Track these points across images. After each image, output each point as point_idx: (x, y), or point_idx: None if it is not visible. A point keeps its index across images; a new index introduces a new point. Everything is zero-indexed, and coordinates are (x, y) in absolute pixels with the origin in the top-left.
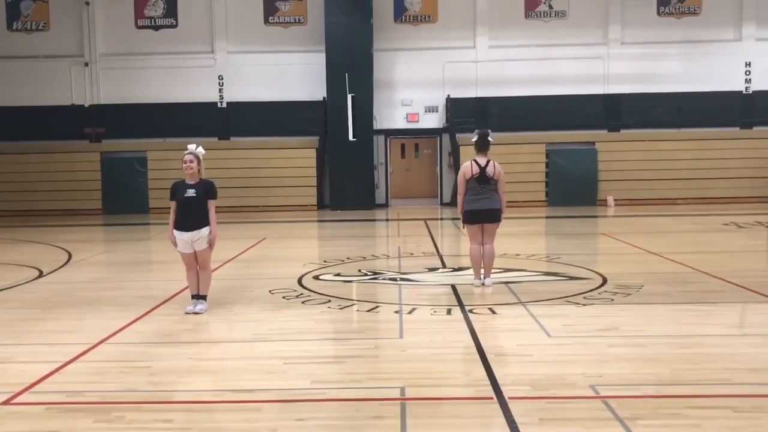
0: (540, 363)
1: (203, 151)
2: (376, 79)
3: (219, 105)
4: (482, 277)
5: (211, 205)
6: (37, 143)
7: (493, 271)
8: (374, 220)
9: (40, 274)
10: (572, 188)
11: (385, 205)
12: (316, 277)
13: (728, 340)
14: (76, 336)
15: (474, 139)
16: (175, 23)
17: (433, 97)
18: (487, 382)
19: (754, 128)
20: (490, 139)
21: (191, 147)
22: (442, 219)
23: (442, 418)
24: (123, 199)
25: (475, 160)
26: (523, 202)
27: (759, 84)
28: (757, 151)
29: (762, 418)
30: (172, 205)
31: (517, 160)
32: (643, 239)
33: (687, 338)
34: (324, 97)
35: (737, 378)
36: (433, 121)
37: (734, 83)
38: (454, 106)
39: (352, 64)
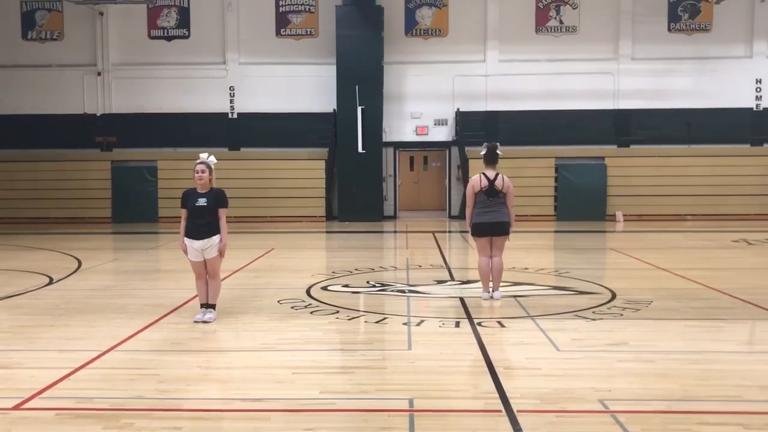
0: (549, 377)
1: (215, 161)
2: (386, 91)
3: (230, 116)
4: (490, 290)
5: (222, 213)
6: (48, 151)
7: (501, 284)
8: (382, 232)
9: (50, 281)
10: (581, 203)
11: (394, 217)
12: (324, 288)
13: (738, 356)
14: (86, 343)
15: (483, 153)
16: (187, 34)
17: (443, 110)
18: (496, 395)
19: (765, 145)
20: (498, 152)
21: (203, 156)
22: (450, 232)
23: (450, 431)
24: (133, 208)
25: (483, 173)
26: (531, 216)
27: None
28: (767, 168)
29: None
30: (183, 213)
31: (526, 174)
32: (652, 255)
33: (697, 354)
34: (334, 109)
35: (748, 395)
36: (443, 134)
37: (745, 100)
38: (463, 119)
39: (362, 77)
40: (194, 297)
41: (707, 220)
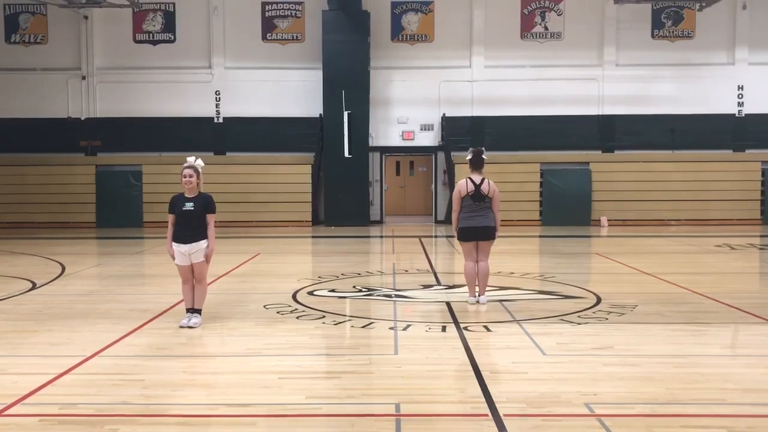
0: (535, 381)
1: (202, 164)
2: (373, 96)
3: (215, 120)
4: (477, 294)
5: (211, 219)
6: (32, 155)
7: (487, 289)
8: (369, 237)
9: (34, 286)
10: (566, 208)
11: (380, 222)
12: (310, 293)
13: (722, 360)
14: (70, 348)
15: (468, 158)
16: (173, 38)
17: (429, 116)
18: (482, 399)
19: (747, 151)
20: (484, 157)
21: (190, 160)
22: (436, 237)
23: None
24: (117, 213)
25: (470, 178)
26: (517, 221)
27: (751, 107)
28: (749, 173)
29: None
30: (170, 218)
31: (511, 180)
32: (636, 259)
33: (681, 358)
34: (320, 114)
35: (731, 398)
36: (429, 139)
37: (727, 106)
38: (449, 124)
39: (348, 82)
40: (180, 302)
41: (690, 225)
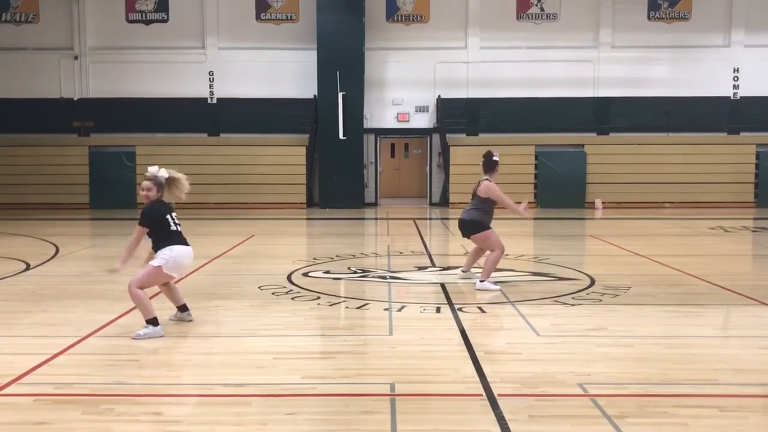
0: (529, 361)
1: (166, 175)
2: (367, 77)
3: (209, 101)
4: (467, 269)
5: (136, 230)
6: (25, 136)
7: (480, 270)
8: (363, 219)
9: (28, 267)
10: (561, 190)
11: (375, 204)
12: (305, 274)
13: (714, 341)
14: (65, 329)
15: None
16: (166, 18)
17: (424, 97)
18: (477, 379)
19: (741, 134)
20: (495, 159)
21: (152, 170)
22: (431, 219)
23: (431, 414)
24: (110, 194)
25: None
26: None
27: (746, 90)
28: (743, 156)
29: (748, 417)
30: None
31: (506, 162)
32: (630, 242)
33: (674, 339)
34: (315, 95)
35: (723, 378)
36: (424, 120)
37: (722, 89)
38: (444, 106)
39: (343, 63)
40: (176, 281)
41: (685, 207)
